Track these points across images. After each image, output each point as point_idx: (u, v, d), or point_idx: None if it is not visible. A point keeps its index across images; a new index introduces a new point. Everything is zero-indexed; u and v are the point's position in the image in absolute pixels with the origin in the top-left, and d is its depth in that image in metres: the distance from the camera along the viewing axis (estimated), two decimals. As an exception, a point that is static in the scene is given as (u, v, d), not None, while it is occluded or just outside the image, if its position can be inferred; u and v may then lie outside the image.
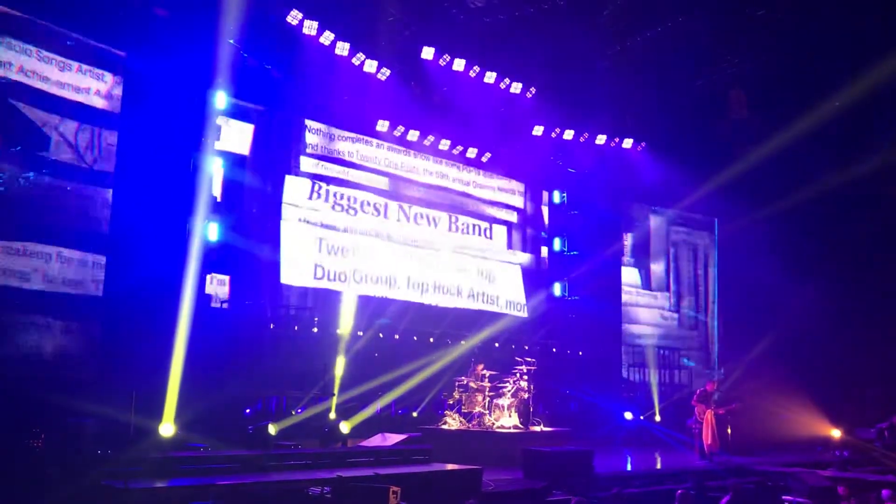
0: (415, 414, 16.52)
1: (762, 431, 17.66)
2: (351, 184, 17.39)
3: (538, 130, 19.46)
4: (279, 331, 15.44)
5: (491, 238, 19.91)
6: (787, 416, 18.79)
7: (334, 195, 16.98)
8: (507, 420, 14.69)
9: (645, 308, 22.43)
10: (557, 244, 21.37)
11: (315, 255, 16.40)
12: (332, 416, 14.48)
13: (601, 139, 20.28)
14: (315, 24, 15.43)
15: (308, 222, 16.44)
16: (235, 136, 15.37)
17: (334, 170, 17.16)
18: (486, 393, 14.89)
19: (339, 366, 15.33)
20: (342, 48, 15.97)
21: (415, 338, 17.54)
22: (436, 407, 16.37)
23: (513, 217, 20.64)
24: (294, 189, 16.38)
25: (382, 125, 17.75)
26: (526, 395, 15.10)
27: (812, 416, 18.67)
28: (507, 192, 20.56)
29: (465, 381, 15.03)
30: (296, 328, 15.71)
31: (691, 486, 10.74)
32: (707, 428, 15.15)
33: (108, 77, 13.34)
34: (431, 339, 17.74)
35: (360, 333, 16.41)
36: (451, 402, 15.15)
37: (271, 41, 15.22)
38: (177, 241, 12.94)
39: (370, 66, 16.48)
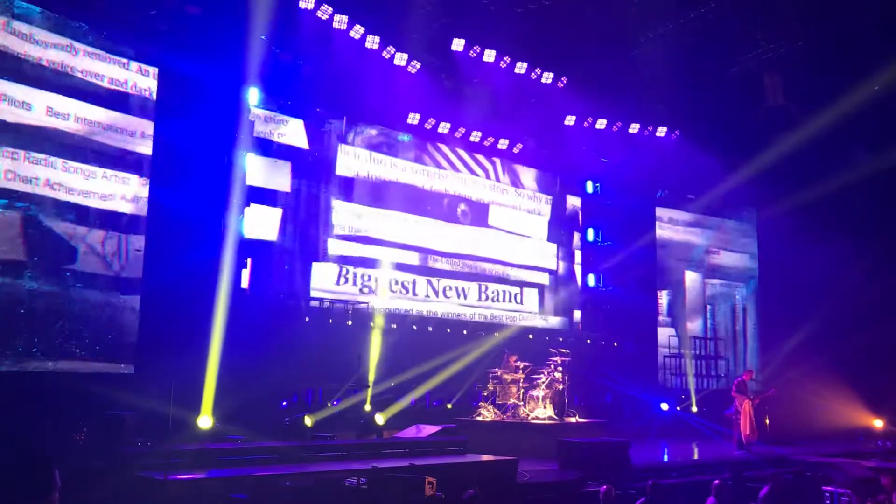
0: (449, 405, 16.55)
1: (802, 421, 17.43)
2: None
3: (570, 120, 19.33)
4: (314, 324, 15.54)
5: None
6: (828, 405, 18.51)
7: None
8: (541, 411, 14.66)
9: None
10: (591, 234, 21.26)
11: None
12: (367, 407, 14.59)
13: (634, 128, 20.10)
14: (345, 17, 15.47)
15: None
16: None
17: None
18: (521, 384, 14.87)
19: (374, 358, 15.41)
20: (372, 41, 16.00)
21: (448, 329, 17.57)
22: (470, 399, 16.39)
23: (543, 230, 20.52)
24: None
25: (413, 118, 17.76)
26: (561, 387, 15.05)
27: (853, 405, 18.37)
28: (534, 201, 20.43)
29: (499, 373, 15.03)
30: (330, 321, 15.81)
31: (729, 477, 10.64)
32: (745, 418, 14.99)
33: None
34: (465, 332, 17.76)
35: (394, 326, 16.47)
36: (486, 394, 15.17)
37: (303, 37, 15.29)
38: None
39: (400, 59, 16.49)
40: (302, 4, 14.94)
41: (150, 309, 12.95)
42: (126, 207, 13.02)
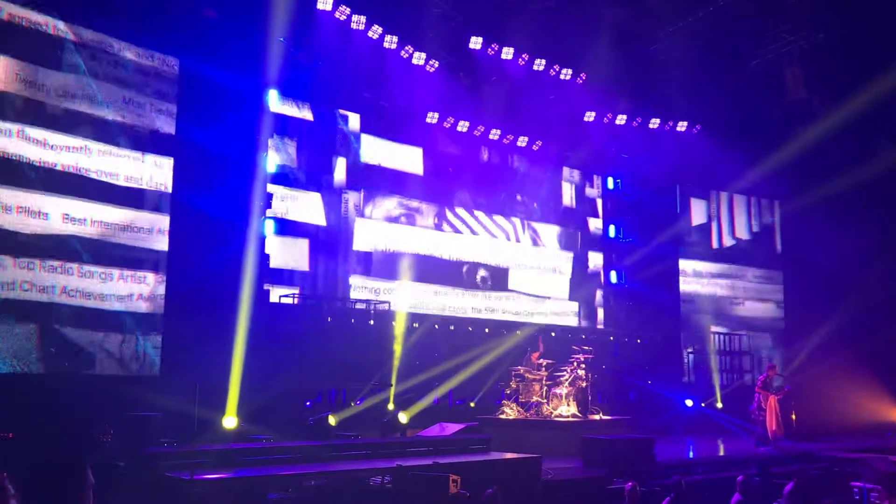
0: (472, 404, 16.54)
1: (829, 417, 17.23)
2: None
3: (590, 116, 19.25)
4: (336, 324, 15.59)
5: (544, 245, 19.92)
6: (855, 400, 18.29)
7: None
8: (565, 409, 14.62)
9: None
10: (612, 231, 21.17)
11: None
12: (391, 406, 14.63)
13: (654, 123, 19.99)
14: (363, 18, 15.51)
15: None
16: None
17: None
18: (543, 382, 14.84)
19: (396, 357, 15.44)
20: (390, 41, 16.03)
21: (469, 328, 17.56)
22: (492, 397, 16.37)
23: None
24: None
25: (432, 117, 17.77)
26: (584, 384, 15.00)
27: (881, 400, 18.16)
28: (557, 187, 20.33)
29: (522, 371, 15.00)
30: (352, 321, 15.85)
31: (755, 473, 10.56)
32: (771, 414, 14.87)
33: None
34: (487, 330, 17.74)
35: (416, 325, 16.49)
36: (508, 392, 15.15)
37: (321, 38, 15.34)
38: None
39: (419, 58, 16.51)
40: (320, 6, 14.98)
41: (175, 310, 13.03)
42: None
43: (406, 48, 16.35)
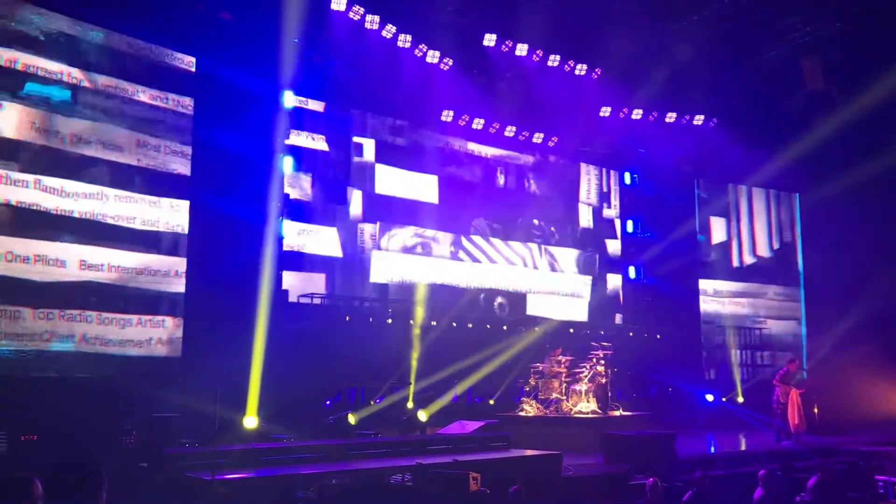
0: (491, 401, 16.54)
1: (852, 410, 17.08)
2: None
3: (606, 111, 19.18)
4: (355, 323, 15.63)
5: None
6: (878, 393, 18.11)
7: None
8: (584, 405, 14.59)
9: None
10: (630, 226, 21.08)
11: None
12: (410, 405, 14.66)
13: (671, 117, 19.88)
14: (377, 17, 15.53)
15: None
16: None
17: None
18: (563, 378, 14.81)
19: (415, 355, 15.47)
20: (404, 40, 16.03)
21: (488, 325, 17.55)
22: (512, 394, 16.36)
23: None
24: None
25: (447, 115, 17.75)
26: (603, 380, 14.96)
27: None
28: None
29: (541, 368, 14.98)
30: (370, 320, 15.89)
31: (778, 468, 10.47)
32: (792, 408, 14.73)
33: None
34: (505, 327, 17.73)
35: (434, 323, 16.50)
36: (528, 389, 15.13)
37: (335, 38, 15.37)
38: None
39: (432, 56, 16.51)
40: (334, 6, 15.01)
41: (195, 311, 13.09)
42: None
43: (420, 47, 16.36)
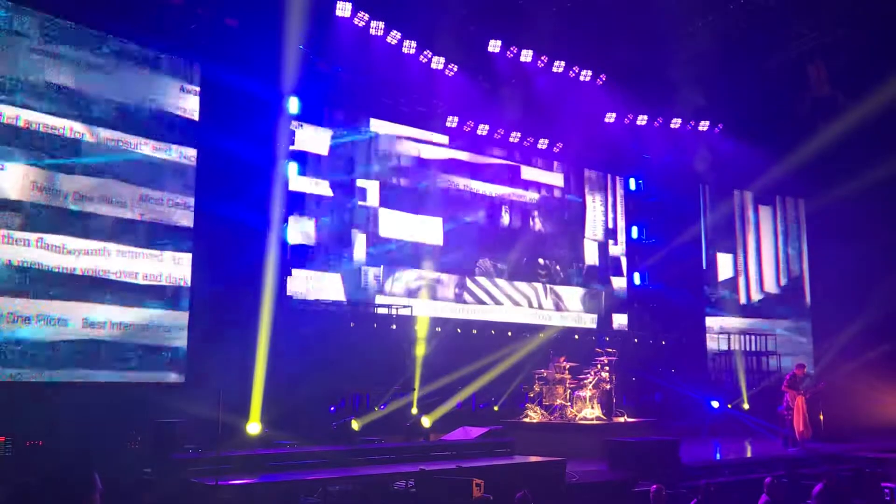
0: (496, 408, 16.52)
1: (858, 417, 16.99)
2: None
3: (610, 117, 19.17)
4: (359, 329, 15.63)
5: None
6: (885, 400, 18.02)
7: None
8: (589, 411, 14.55)
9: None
10: (635, 232, 21.06)
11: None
12: (414, 411, 14.65)
13: (676, 123, 19.86)
14: (381, 24, 15.55)
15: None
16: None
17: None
18: (567, 385, 14.77)
19: (419, 361, 15.44)
20: (409, 46, 16.05)
21: (492, 331, 17.53)
22: (516, 400, 16.33)
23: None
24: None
25: (452, 121, 17.77)
26: (608, 386, 14.92)
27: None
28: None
29: (545, 374, 14.95)
30: (375, 325, 15.88)
31: (783, 475, 10.43)
32: (798, 414, 14.68)
33: (173, 378, 12.74)
34: (509, 333, 17.71)
35: (438, 329, 16.48)
36: (532, 395, 15.10)
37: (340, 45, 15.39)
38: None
39: (437, 62, 16.53)
40: (339, 13, 15.04)
41: (198, 319, 13.10)
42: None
43: (425, 52, 16.38)
